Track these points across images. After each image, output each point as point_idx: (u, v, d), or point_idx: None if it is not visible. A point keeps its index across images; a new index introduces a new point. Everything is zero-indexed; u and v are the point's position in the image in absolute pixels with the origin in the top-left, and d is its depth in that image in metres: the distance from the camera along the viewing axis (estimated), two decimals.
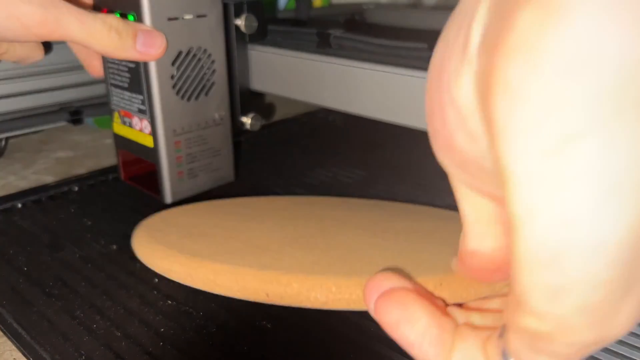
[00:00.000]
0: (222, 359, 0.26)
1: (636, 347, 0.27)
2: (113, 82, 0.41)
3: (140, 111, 0.39)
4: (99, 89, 0.57)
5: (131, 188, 0.45)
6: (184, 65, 0.39)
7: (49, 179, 0.50)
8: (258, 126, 0.47)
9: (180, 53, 0.38)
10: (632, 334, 0.27)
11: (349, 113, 0.41)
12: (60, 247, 0.36)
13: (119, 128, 0.42)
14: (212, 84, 0.41)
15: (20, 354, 0.28)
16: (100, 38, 0.32)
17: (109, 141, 0.61)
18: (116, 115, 0.42)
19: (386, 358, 0.26)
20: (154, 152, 0.40)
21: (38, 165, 0.54)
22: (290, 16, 0.65)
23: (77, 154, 0.57)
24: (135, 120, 0.40)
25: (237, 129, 0.47)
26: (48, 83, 0.54)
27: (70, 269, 0.33)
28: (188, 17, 0.38)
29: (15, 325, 0.29)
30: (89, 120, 0.63)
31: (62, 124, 0.54)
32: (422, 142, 0.57)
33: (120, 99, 0.41)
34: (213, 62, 0.41)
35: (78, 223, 0.39)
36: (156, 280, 0.32)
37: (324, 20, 0.60)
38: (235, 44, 0.45)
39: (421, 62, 0.36)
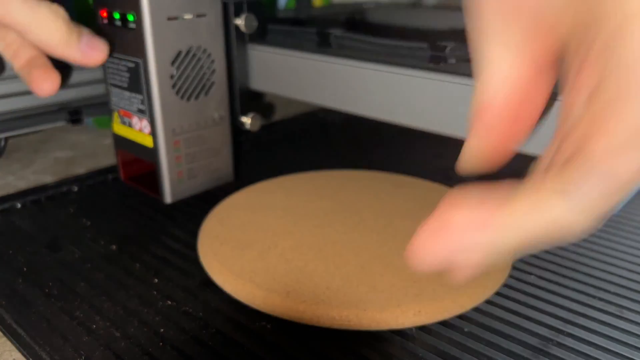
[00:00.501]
0: (221, 359, 0.26)
1: (636, 347, 0.27)
2: (112, 81, 0.41)
3: (140, 111, 0.39)
4: (99, 89, 0.57)
5: (130, 188, 0.45)
6: (184, 65, 0.39)
7: (48, 179, 0.50)
8: (258, 126, 0.47)
9: (179, 53, 0.38)
10: (632, 334, 0.27)
11: (349, 113, 0.41)
12: (59, 247, 0.36)
13: (119, 128, 0.42)
14: (212, 83, 0.41)
15: (19, 355, 0.28)
16: (46, 26, 0.29)
17: (108, 141, 0.61)
18: (116, 115, 0.42)
19: (385, 358, 0.26)
20: (153, 152, 0.39)
21: (37, 165, 0.54)
22: (290, 16, 0.65)
23: (76, 154, 0.57)
24: (135, 120, 0.40)
25: (236, 128, 0.47)
26: None
27: (69, 269, 0.33)
28: (188, 16, 0.38)
29: (14, 325, 0.28)
30: (88, 120, 0.63)
31: (61, 123, 0.54)
32: (422, 142, 0.57)
33: (120, 98, 0.41)
34: (213, 61, 0.41)
35: (77, 223, 0.39)
36: (156, 280, 0.32)
37: (324, 20, 0.60)
38: (235, 43, 0.45)
39: (422, 61, 0.36)
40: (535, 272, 0.33)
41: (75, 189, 0.45)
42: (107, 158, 0.55)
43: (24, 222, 0.39)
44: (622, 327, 0.28)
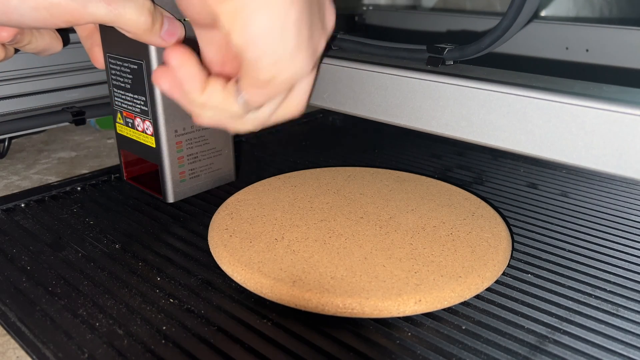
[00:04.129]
0: (223, 357, 0.26)
1: (632, 344, 0.27)
2: (115, 83, 0.41)
3: (143, 112, 0.40)
4: (101, 90, 0.57)
5: (133, 188, 0.45)
6: None
7: (51, 178, 0.51)
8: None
9: None
10: (632, 334, 0.28)
11: (349, 114, 0.41)
12: (62, 246, 0.36)
13: (122, 129, 0.43)
14: None
15: (23, 352, 0.28)
16: (131, 21, 0.32)
17: (111, 141, 0.61)
18: (119, 116, 0.43)
19: (384, 358, 0.26)
20: (156, 152, 0.40)
21: (40, 165, 0.55)
22: None
23: (79, 154, 0.58)
24: (138, 121, 0.40)
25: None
26: (51, 84, 0.54)
27: (72, 267, 0.34)
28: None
29: (18, 323, 0.29)
30: (90, 121, 0.63)
31: (65, 124, 0.55)
32: (422, 142, 0.57)
33: (123, 100, 0.41)
34: None
35: (80, 222, 0.40)
36: (158, 278, 0.32)
37: None
38: None
39: (421, 63, 0.37)
40: (532, 271, 0.33)
41: (79, 188, 0.45)
42: (110, 158, 0.56)
43: (27, 222, 0.40)
44: (618, 324, 0.28)
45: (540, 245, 0.36)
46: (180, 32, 0.36)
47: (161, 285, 0.32)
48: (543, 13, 0.63)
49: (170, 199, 0.42)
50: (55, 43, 0.38)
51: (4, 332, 0.29)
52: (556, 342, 0.27)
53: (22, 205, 0.42)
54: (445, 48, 0.37)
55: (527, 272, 0.33)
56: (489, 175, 0.48)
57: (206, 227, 0.38)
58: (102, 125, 0.65)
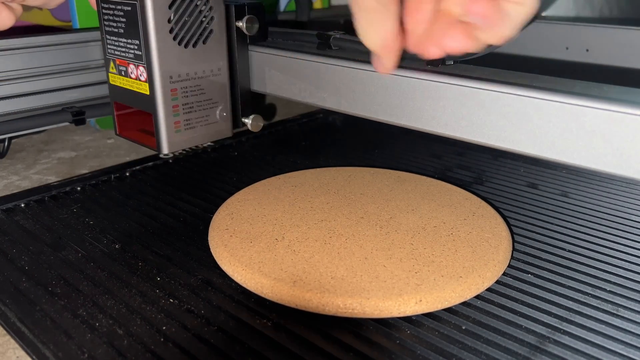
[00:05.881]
0: (223, 357, 0.26)
1: (632, 344, 0.27)
2: (108, 29, 0.40)
3: (137, 57, 0.38)
4: (101, 90, 0.57)
5: (133, 188, 0.45)
6: (182, 9, 0.38)
7: (51, 179, 0.51)
8: (259, 127, 0.48)
9: None
10: (632, 334, 0.28)
11: (349, 114, 0.41)
12: (62, 246, 0.36)
13: (115, 78, 0.42)
14: (210, 31, 0.40)
15: (23, 352, 0.28)
16: None
17: (111, 141, 0.61)
18: (112, 64, 0.41)
19: (384, 358, 0.26)
20: (150, 99, 0.39)
21: (40, 165, 0.55)
22: (290, 18, 0.65)
23: (79, 154, 0.58)
24: (131, 68, 0.39)
25: (237, 84, 0.47)
26: (51, 84, 0.54)
27: (72, 267, 0.34)
28: None
29: (18, 323, 0.29)
30: (90, 121, 0.63)
31: (65, 124, 0.55)
32: (422, 142, 0.57)
33: (116, 46, 0.40)
34: (211, 8, 0.40)
35: (80, 222, 0.40)
36: (158, 278, 0.32)
37: (324, 22, 0.60)
38: (236, 45, 0.45)
39: (420, 63, 0.37)
40: (532, 271, 0.33)
41: (79, 188, 0.45)
42: (110, 158, 0.56)
43: (27, 222, 0.40)
44: (618, 325, 0.28)
45: (540, 245, 0.36)
46: None
47: (161, 285, 0.32)
48: (543, 13, 0.63)
49: (165, 149, 0.40)
50: None
51: (4, 332, 0.29)
52: (556, 342, 0.27)
53: (22, 205, 0.42)
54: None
55: (527, 272, 0.33)
56: (489, 175, 0.48)
57: (206, 226, 0.38)
58: (102, 125, 0.65)
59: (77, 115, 0.54)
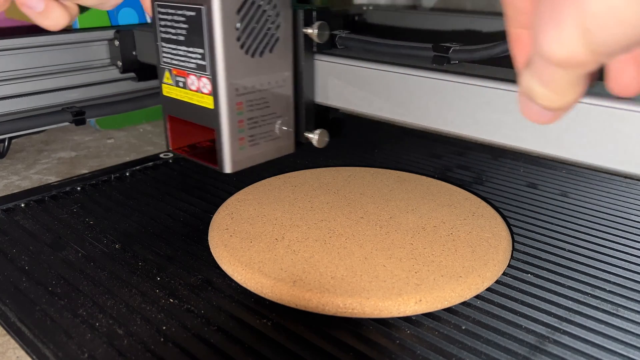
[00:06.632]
0: (222, 357, 0.26)
1: (632, 344, 0.27)
2: (165, 36, 0.36)
3: (199, 67, 0.35)
4: (102, 90, 0.57)
5: (133, 188, 0.45)
6: (249, 15, 0.35)
7: (51, 178, 0.51)
8: (325, 143, 0.44)
9: (245, 1, 0.34)
10: (632, 334, 0.28)
11: (354, 113, 0.41)
12: (62, 246, 0.36)
13: (169, 90, 0.38)
14: (277, 39, 0.37)
15: (23, 352, 0.28)
16: None
17: (111, 141, 0.61)
18: (167, 75, 0.38)
19: (384, 358, 0.26)
20: (213, 114, 0.35)
21: (40, 165, 0.55)
22: None
23: (79, 154, 0.58)
24: (192, 79, 0.36)
25: (300, 142, 0.43)
26: (51, 84, 0.54)
27: (72, 267, 0.34)
28: None
29: (18, 323, 0.29)
30: (90, 121, 0.63)
31: (65, 124, 0.55)
32: (422, 142, 0.57)
33: (174, 55, 0.36)
34: (278, 14, 0.36)
35: (80, 222, 0.40)
36: (158, 278, 0.32)
37: None
38: (303, 54, 0.41)
39: (426, 62, 0.36)
40: (532, 271, 0.33)
41: (79, 188, 0.45)
42: (110, 158, 0.56)
43: (27, 222, 0.40)
44: (618, 324, 0.28)
45: (540, 245, 0.36)
46: None
47: (161, 285, 0.32)
48: None
49: (228, 168, 0.37)
50: None
51: (4, 332, 0.29)
52: (556, 342, 0.27)
53: (22, 205, 0.42)
54: (451, 47, 0.36)
55: (527, 272, 0.33)
56: (489, 175, 0.48)
57: (206, 226, 0.38)
58: (102, 125, 0.65)
59: (77, 115, 0.54)
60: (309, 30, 0.40)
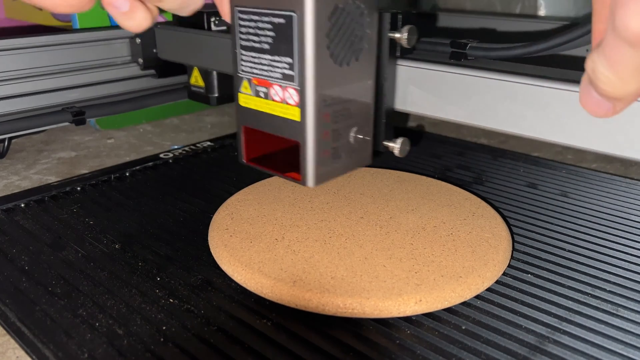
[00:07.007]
0: (222, 357, 0.26)
1: (631, 344, 0.27)
2: (246, 43, 0.34)
3: (286, 77, 0.33)
4: (102, 90, 0.57)
5: (133, 188, 0.45)
6: (340, 21, 0.32)
7: (51, 179, 0.51)
8: (406, 152, 0.40)
9: (337, 7, 0.32)
10: (632, 334, 0.28)
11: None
12: (62, 246, 0.36)
13: (247, 100, 0.36)
14: (363, 46, 0.35)
15: (23, 352, 0.28)
16: None
17: (111, 141, 0.61)
18: (244, 84, 0.35)
19: (384, 358, 0.26)
20: (299, 126, 0.33)
21: (40, 165, 0.55)
22: None
23: (79, 154, 0.58)
24: (275, 90, 0.33)
25: (378, 152, 0.40)
26: (51, 84, 0.54)
27: (72, 267, 0.34)
28: None
29: (18, 323, 0.29)
30: (90, 121, 0.63)
31: (65, 124, 0.55)
32: (422, 142, 0.57)
33: (255, 64, 0.34)
34: (366, 20, 0.35)
35: (80, 222, 0.40)
36: (158, 278, 0.32)
37: None
38: (387, 60, 0.39)
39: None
40: (532, 271, 0.33)
41: (79, 188, 0.45)
42: (110, 158, 0.56)
43: (27, 222, 0.40)
44: (618, 324, 0.28)
45: (540, 245, 0.36)
46: None
47: (161, 285, 0.32)
48: (543, 13, 0.63)
49: (311, 182, 0.34)
50: None
51: (4, 332, 0.29)
52: (556, 342, 0.27)
53: (22, 205, 0.42)
54: (467, 44, 0.36)
55: (527, 272, 0.33)
56: (489, 175, 0.48)
57: (206, 226, 0.38)
58: (102, 125, 0.65)
59: (77, 115, 0.54)
60: (397, 35, 0.38)
